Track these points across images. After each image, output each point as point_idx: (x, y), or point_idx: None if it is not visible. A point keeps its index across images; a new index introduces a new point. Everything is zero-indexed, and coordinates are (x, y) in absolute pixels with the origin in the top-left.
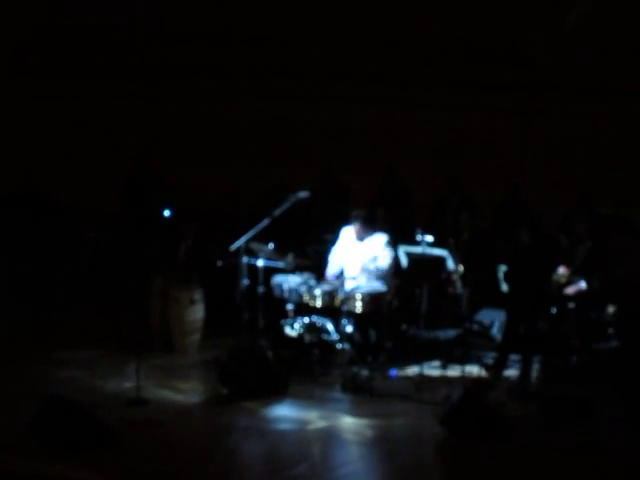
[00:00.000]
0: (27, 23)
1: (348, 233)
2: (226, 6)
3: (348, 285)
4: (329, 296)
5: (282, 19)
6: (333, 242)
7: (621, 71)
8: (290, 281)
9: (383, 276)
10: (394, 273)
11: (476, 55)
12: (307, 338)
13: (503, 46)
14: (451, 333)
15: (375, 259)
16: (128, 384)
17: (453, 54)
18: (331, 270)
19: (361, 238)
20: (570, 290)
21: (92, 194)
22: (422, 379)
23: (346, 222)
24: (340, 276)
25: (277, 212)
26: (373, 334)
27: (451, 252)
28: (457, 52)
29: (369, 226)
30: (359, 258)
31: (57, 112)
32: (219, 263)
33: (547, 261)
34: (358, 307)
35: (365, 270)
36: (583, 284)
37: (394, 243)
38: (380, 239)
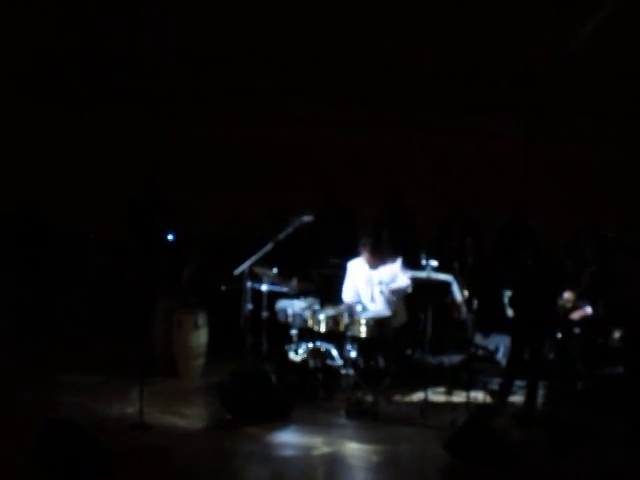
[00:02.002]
0: (31, 46)
1: (356, 265)
2: (228, 30)
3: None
4: (333, 321)
5: (284, 42)
6: (337, 267)
7: (625, 93)
8: (294, 306)
9: (401, 295)
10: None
11: (479, 78)
12: (311, 363)
13: (506, 69)
14: (456, 358)
15: (394, 280)
16: (131, 409)
17: (456, 77)
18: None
19: (374, 266)
20: (575, 315)
21: (95, 217)
22: (427, 404)
23: (350, 246)
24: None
25: (281, 236)
26: (377, 359)
27: (456, 277)
28: (460, 75)
29: (379, 254)
30: (375, 284)
31: (60, 134)
32: (223, 287)
33: (552, 286)
34: (362, 332)
35: (383, 293)
36: (589, 309)
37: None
38: (395, 264)
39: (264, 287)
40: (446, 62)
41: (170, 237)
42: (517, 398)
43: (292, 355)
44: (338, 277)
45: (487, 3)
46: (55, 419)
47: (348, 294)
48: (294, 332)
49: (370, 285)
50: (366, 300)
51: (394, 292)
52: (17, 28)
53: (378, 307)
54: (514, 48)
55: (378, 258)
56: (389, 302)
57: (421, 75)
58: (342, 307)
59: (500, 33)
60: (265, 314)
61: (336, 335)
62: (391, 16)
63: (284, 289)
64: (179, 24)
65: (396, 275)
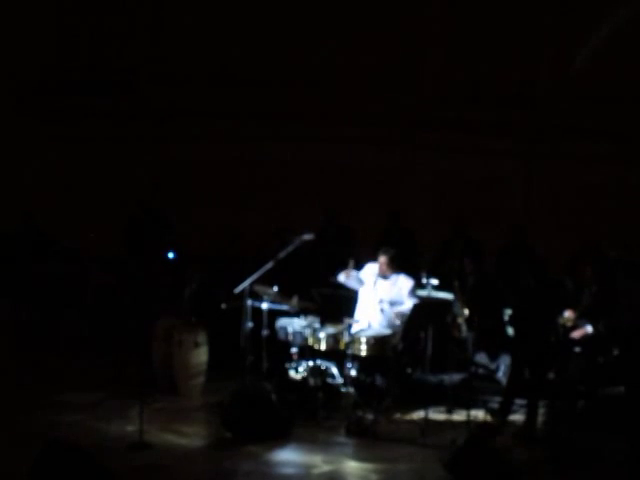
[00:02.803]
0: (31, 65)
1: (371, 270)
2: (229, 49)
3: (355, 327)
4: (333, 339)
5: (285, 62)
6: (337, 285)
7: (627, 114)
8: (294, 324)
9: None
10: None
11: (481, 98)
12: (311, 381)
13: (508, 89)
14: (456, 377)
15: (399, 303)
16: (131, 428)
17: (458, 97)
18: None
19: (385, 276)
20: (576, 334)
21: (96, 236)
22: (427, 423)
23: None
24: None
25: (281, 254)
26: (378, 378)
27: (456, 296)
28: (462, 95)
29: (396, 265)
30: (379, 296)
31: (60, 153)
32: (223, 306)
33: (552, 305)
34: (363, 350)
35: (384, 311)
36: (589, 328)
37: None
38: (406, 283)
39: (264, 305)
40: (447, 82)
41: (170, 256)
42: (518, 417)
43: (292, 373)
44: (338, 295)
45: (488, 25)
46: (54, 438)
47: (352, 274)
48: (294, 350)
49: (373, 295)
50: (364, 310)
51: (398, 315)
52: (17, 47)
53: (375, 320)
54: (515, 69)
55: (393, 269)
56: (389, 321)
57: (423, 94)
58: (342, 325)
59: (501, 54)
60: (265, 332)
61: (336, 353)
62: (394, 38)
63: (284, 307)
64: (179, 44)
65: (402, 296)
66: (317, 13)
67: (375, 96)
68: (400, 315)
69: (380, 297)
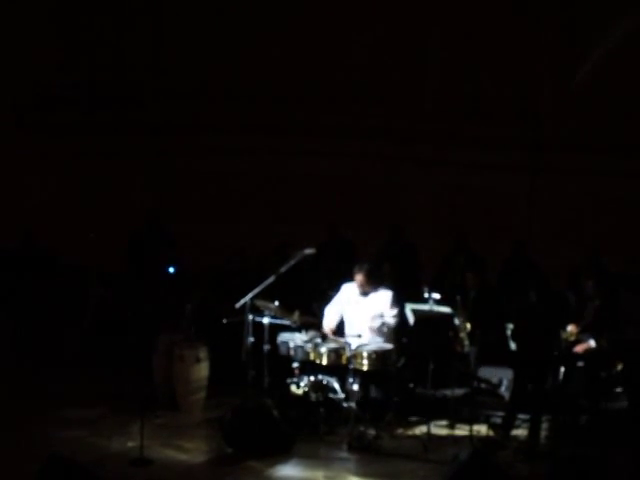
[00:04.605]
0: (32, 79)
1: (349, 289)
2: (231, 64)
3: (352, 342)
4: (335, 354)
5: (285, 77)
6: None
7: (627, 128)
8: (296, 339)
9: (389, 333)
10: (401, 331)
11: (482, 112)
12: (313, 397)
13: (509, 103)
14: (459, 392)
15: (382, 316)
16: (132, 443)
17: (458, 111)
18: (327, 324)
19: (365, 293)
20: (579, 348)
21: (97, 251)
22: (429, 438)
23: (351, 279)
24: (340, 331)
25: (283, 269)
26: (380, 392)
27: (458, 310)
28: (463, 109)
29: (373, 280)
30: (364, 315)
31: (60, 168)
32: (224, 320)
33: (555, 319)
34: (365, 365)
35: (371, 328)
36: (592, 342)
37: (400, 300)
38: (385, 296)
39: (266, 320)
40: (448, 97)
41: (171, 270)
42: (520, 432)
43: (294, 388)
44: None
45: (488, 39)
46: (55, 454)
47: (331, 317)
48: (296, 365)
49: (359, 313)
50: (352, 327)
51: (382, 327)
52: (18, 62)
53: (366, 338)
54: (516, 83)
55: (371, 284)
56: (384, 334)
57: (424, 109)
58: (343, 340)
59: (501, 68)
60: (267, 347)
61: (338, 368)
62: (394, 50)
63: (286, 322)
64: (179, 58)
65: (385, 310)
66: (316, 28)
67: (376, 111)
68: (385, 326)
69: (371, 314)
